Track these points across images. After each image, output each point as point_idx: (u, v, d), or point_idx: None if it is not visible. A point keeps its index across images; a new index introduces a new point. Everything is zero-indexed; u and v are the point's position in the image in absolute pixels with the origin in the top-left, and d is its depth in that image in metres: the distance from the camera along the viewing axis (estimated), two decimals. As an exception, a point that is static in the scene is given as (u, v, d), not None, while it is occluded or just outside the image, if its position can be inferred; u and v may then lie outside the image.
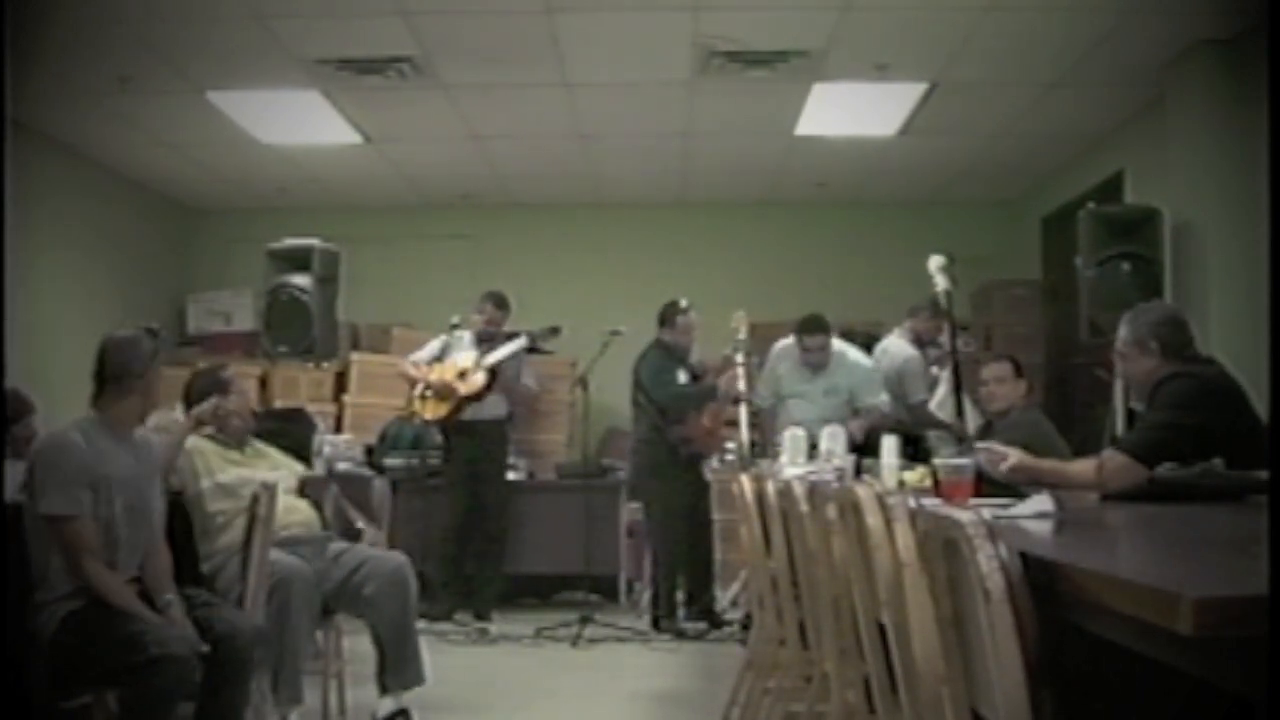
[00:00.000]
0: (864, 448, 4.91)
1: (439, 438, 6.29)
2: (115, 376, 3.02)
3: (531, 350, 6.22)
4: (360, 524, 4.20)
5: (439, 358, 6.16)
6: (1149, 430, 2.94)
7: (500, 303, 6.23)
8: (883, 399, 5.61)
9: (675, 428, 5.80)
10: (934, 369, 6.06)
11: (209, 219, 8.66)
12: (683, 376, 5.93)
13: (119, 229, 7.76)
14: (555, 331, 6.06)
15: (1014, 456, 2.81)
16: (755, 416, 5.87)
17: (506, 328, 6.30)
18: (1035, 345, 7.51)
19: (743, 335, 5.58)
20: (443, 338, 6.25)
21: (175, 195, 8.33)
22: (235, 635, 2.99)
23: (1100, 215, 5.65)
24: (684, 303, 5.95)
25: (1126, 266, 5.49)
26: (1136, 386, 3.17)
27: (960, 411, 5.51)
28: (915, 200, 8.36)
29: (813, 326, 5.53)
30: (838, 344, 5.66)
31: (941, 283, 5.56)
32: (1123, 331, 3.14)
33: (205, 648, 2.86)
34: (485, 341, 6.19)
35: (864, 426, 5.40)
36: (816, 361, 5.55)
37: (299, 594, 3.51)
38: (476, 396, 6.06)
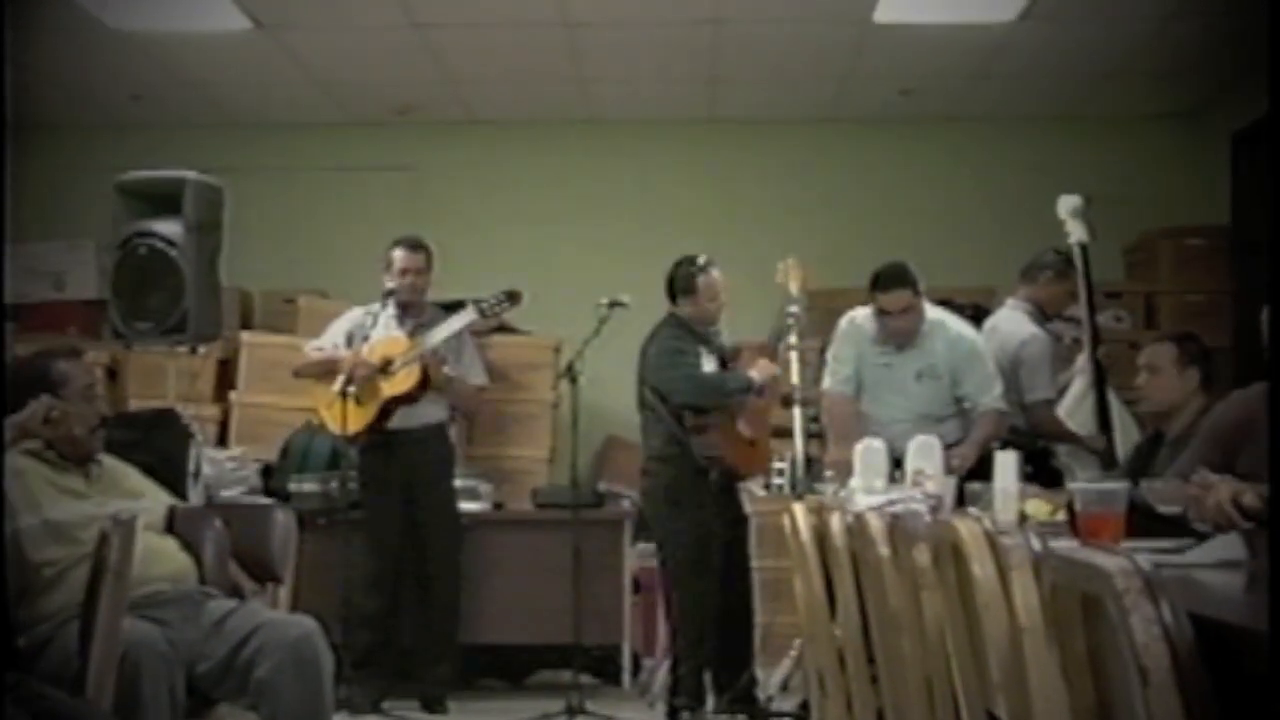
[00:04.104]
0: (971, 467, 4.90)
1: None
2: None
3: (496, 329, 6.21)
4: (247, 588, 4.20)
5: (347, 344, 6.15)
6: None
7: (414, 245, 6.23)
8: (997, 396, 5.57)
9: (698, 438, 5.79)
10: (1078, 365, 6.02)
11: (31, 139, 8.64)
12: (708, 364, 5.91)
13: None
14: (513, 299, 6.05)
15: (1224, 487, 2.80)
16: (815, 423, 5.86)
17: (440, 290, 6.31)
18: (1220, 321, 7.48)
19: (795, 298, 5.56)
20: (353, 313, 6.28)
21: (-15, 106, 8.33)
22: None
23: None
24: (702, 259, 5.93)
25: (1367, 205, 5.45)
26: None
27: (1106, 419, 5.47)
28: (1042, 114, 8.35)
29: (892, 278, 5.48)
30: (933, 311, 5.63)
31: (1076, 232, 5.54)
32: None
33: None
34: (410, 313, 6.20)
35: (978, 447, 5.31)
36: (901, 330, 5.52)
37: (151, 673, 3.49)
38: (408, 397, 6.06)
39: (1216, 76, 7.81)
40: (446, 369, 6.12)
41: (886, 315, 5.52)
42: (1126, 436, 5.48)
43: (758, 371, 5.76)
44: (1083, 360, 5.93)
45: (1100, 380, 5.33)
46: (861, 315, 5.69)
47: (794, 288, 5.57)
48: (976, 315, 6.20)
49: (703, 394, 5.83)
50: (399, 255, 6.20)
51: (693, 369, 5.85)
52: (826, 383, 5.72)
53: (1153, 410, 4.95)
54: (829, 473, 5.14)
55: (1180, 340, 4.95)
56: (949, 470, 4.43)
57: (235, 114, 8.37)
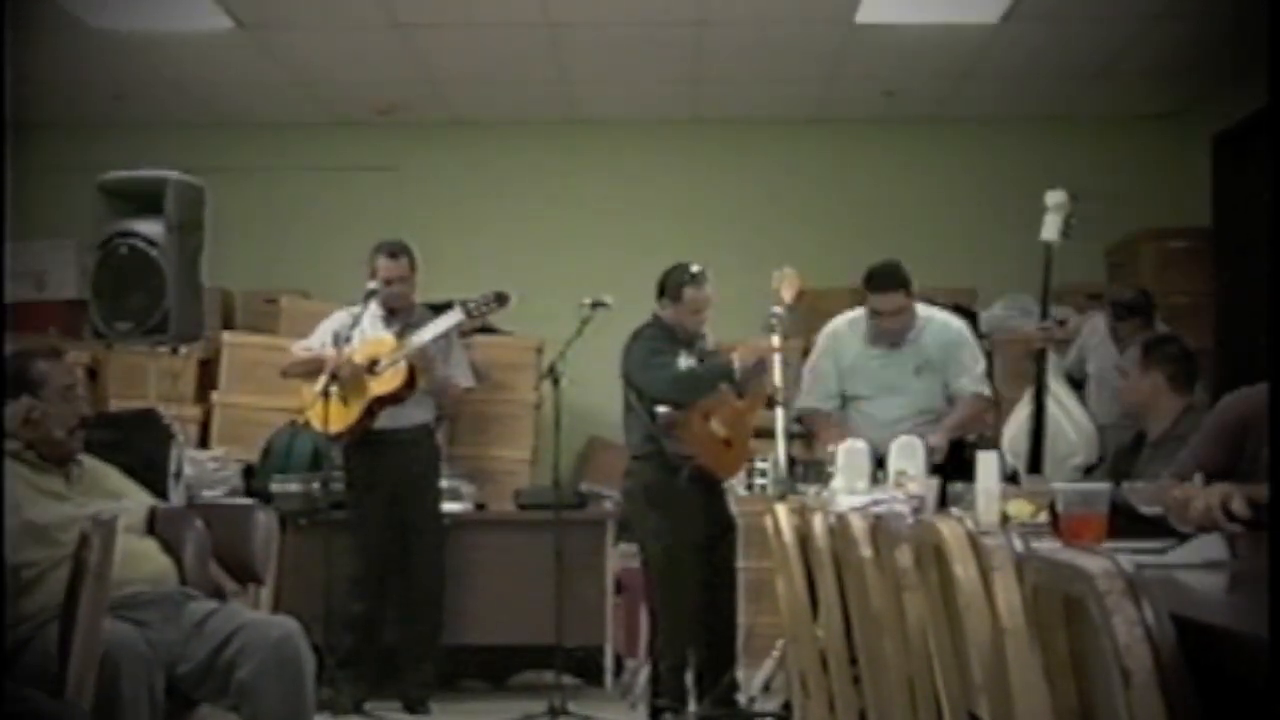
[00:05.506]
0: (954, 467, 4.90)
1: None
2: None
3: (478, 330, 6.20)
4: (228, 589, 4.19)
5: (334, 344, 6.13)
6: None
7: (395, 252, 6.22)
8: (980, 377, 5.58)
9: (671, 435, 5.78)
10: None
11: (12, 138, 8.60)
12: (686, 364, 5.90)
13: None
14: (501, 300, 6.04)
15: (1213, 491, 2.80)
16: (798, 423, 5.86)
17: (424, 292, 6.29)
18: (1203, 321, 7.49)
19: (784, 305, 5.55)
20: (339, 315, 6.25)
21: (-34, 106, 8.30)
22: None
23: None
24: (695, 268, 5.92)
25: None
26: None
27: (1039, 427, 5.42)
28: (1025, 115, 8.37)
29: (887, 279, 5.47)
30: (923, 309, 5.63)
31: (1050, 229, 5.49)
32: None
33: None
34: (397, 315, 6.19)
35: (952, 429, 5.36)
36: (892, 330, 5.52)
37: (131, 674, 3.48)
38: (394, 397, 6.05)
39: (1199, 78, 7.82)
40: (434, 372, 6.12)
41: (879, 315, 5.52)
42: (1083, 446, 5.41)
43: (743, 354, 5.71)
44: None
45: (1039, 391, 5.28)
46: (843, 323, 5.69)
47: (787, 296, 5.54)
48: (961, 314, 6.21)
49: (679, 390, 5.80)
50: (382, 263, 6.17)
51: (668, 367, 5.84)
52: (808, 401, 5.69)
53: (1124, 412, 4.97)
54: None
55: (1148, 343, 4.93)
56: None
57: (217, 114, 8.34)
